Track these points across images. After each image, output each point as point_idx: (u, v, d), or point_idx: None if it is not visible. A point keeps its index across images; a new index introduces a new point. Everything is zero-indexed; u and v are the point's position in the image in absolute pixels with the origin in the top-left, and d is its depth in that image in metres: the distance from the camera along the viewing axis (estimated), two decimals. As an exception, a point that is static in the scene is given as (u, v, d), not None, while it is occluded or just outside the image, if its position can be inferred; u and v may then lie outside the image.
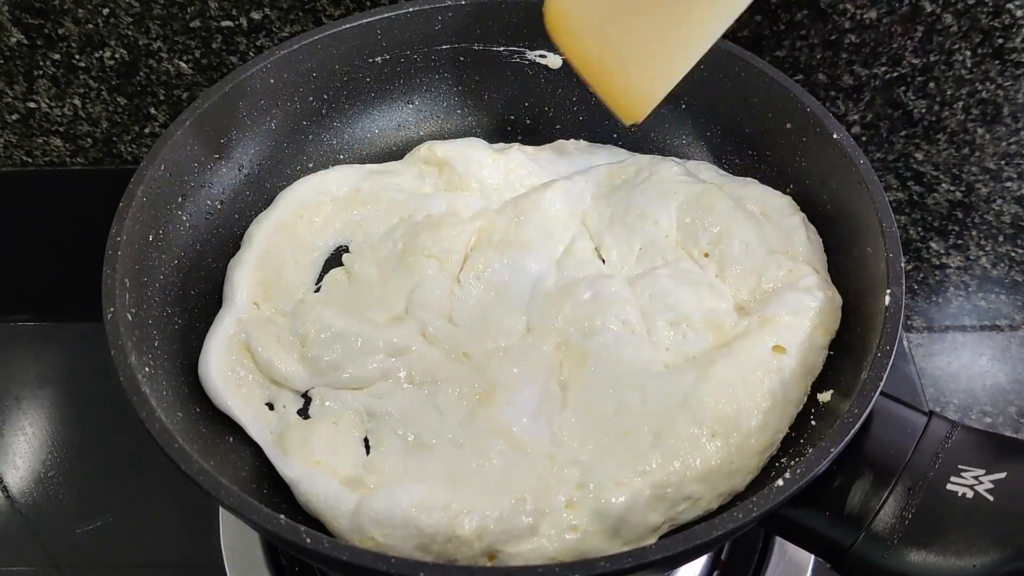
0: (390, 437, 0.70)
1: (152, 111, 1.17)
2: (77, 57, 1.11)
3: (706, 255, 0.80)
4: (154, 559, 0.92)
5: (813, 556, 0.84)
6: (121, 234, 0.70)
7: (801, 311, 0.72)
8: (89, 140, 1.21)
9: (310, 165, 0.90)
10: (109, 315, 0.66)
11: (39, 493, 0.96)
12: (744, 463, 0.66)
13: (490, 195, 0.87)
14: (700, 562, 0.87)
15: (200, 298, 0.79)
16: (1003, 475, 0.58)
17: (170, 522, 0.93)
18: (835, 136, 0.76)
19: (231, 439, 0.71)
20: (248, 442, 0.71)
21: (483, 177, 0.87)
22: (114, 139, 1.21)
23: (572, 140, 0.93)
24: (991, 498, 0.58)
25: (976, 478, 0.59)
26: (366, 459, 0.70)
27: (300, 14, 1.06)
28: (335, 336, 0.74)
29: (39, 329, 1.12)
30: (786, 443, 0.69)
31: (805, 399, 0.71)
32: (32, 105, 1.17)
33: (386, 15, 0.87)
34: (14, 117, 1.18)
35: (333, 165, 0.90)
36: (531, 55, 0.92)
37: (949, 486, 0.59)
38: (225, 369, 0.73)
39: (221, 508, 0.87)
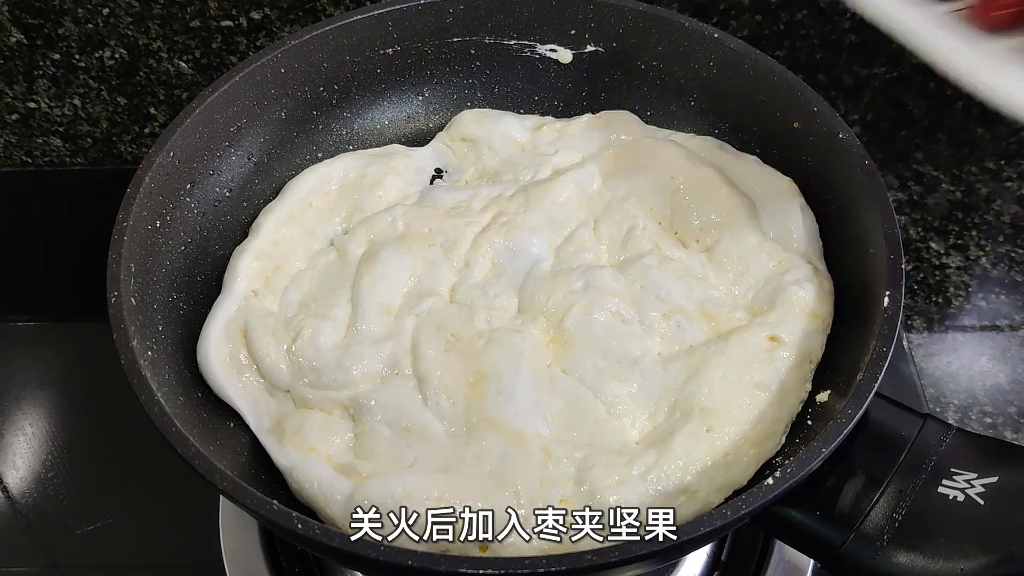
0: (380, 427, 0.70)
1: (152, 111, 1.18)
2: (77, 57, 1.11)
3: (697, 241, 0.80)
4: (154, 560, 0.92)
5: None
6: (128, 220, 0.70)
7: (793, 302, 0.72)
8: (89, 140, 1.22)
9: (319, 155, 0.90)
10: (113, 299, 0.66)
11: (39, 493, 0.96)
12: (741, 454, 0.66)
13: (515, 173, 0.88)
14: (699, 563, 0.87)
15: (206, 285, 0.79)
16: (995, 479, 0.58)
17: (170, 523, 0.93)
18: (841, 136, 0.76)
19: (231, 424, 0.72)
20: (248, 428, 0.72)
21: (507, 156, 0.89)
22: (114, 139, 1.21)
23: (599, 114, 0.92)
24: (982, 502, 0.58)
25: (968, 482, 0.59)
26: (358, 448, 0.69)
27: (300, 14, 1.06)
28: (318, 352, 0.74)
29: (39, 329, 1.12)
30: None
31: (809, 387, 0.71)
32: (32, 105, 1.17)
33: (398, 7, 0.87)
34: (14, 117, 1.18)
35: (342, 155, 0.90)
36: (542, 49, 0.92)
37: (941, 489, 0.59)
38: (223, 355, 0.73)
39: (221, 509, 0.87)
